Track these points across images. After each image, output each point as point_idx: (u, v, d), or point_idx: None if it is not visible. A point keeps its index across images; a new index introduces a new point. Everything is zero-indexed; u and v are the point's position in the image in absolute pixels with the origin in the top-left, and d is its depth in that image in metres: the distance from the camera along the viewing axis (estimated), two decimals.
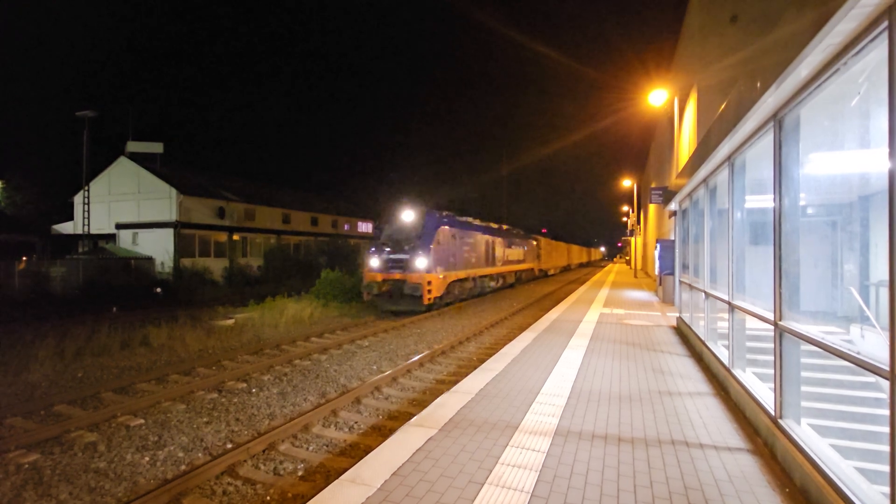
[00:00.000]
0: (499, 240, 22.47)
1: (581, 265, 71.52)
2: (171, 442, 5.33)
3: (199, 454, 5.09)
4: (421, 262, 14.53)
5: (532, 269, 30.51)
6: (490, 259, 21.07)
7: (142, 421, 5.89)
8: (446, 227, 16.18)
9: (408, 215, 15.85)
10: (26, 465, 4.73)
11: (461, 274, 17.29)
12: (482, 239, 20.10)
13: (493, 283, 22.12)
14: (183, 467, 4.79)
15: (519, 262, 26.29)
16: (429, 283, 14.42)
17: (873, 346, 4.97)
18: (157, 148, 32.80)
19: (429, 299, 14.53)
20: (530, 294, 23.60)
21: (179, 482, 4.27)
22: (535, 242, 31.42)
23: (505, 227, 25.83)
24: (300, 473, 4.68)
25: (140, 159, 31.48)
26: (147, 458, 4.93)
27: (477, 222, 20.70)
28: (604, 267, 64.57)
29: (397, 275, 14.71)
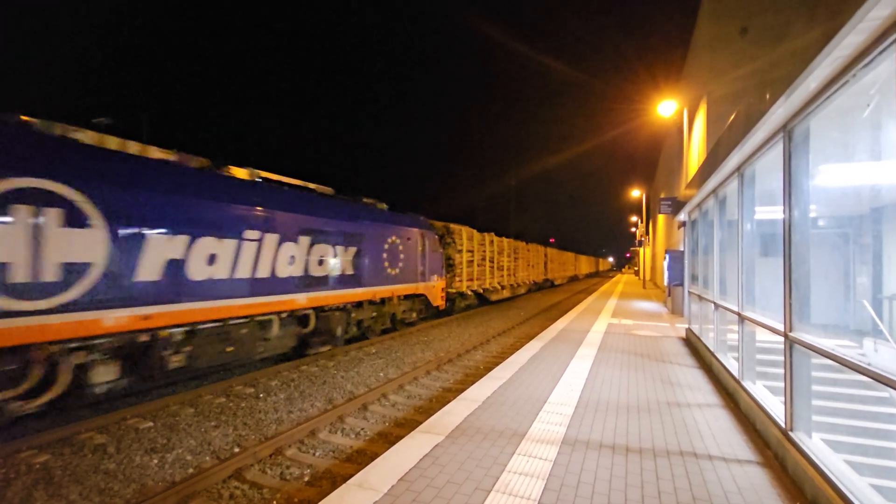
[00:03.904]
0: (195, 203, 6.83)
1: (572, 279, 51.13)
2: (179, 445, 5.37)
3: (207, 457, 5.12)
4: None
5: (420, 303, 14.01)
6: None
7: (151, 424, 5.94)
8: None
9: None
10: (37, 466, 4.79)
11: None
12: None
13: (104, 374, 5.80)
14: (191, 470, 4.82)
15: (349, 282, 10.27)
16: None
17: (887, 360, 4.91)
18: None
19: None
20: (537, 304, 23.51)
21: (187, 485, 4.31)
22: (422, 237, 13.71)
23: (277, 179, 9.21)
24: (306, 478, 4.69)
25: None
26: (155, 461, 4.97)
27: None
28: (612, 277, 64.18)
29: None
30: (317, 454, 5.29)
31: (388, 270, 11.88)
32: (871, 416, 4.71)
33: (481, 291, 19.99)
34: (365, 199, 12.00)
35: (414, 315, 13.88)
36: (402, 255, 12.54)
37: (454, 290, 17.06)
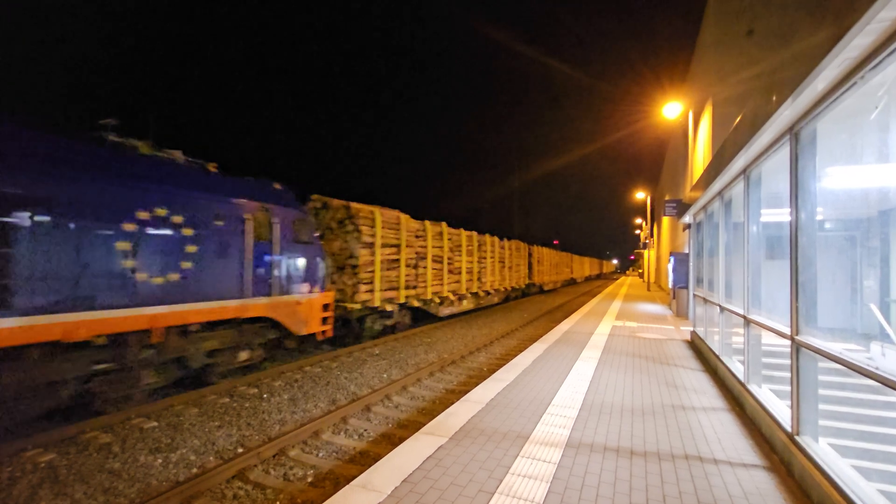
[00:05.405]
0: None
1: (568, 282, 44.57)
2: (183, 445, 5.39)
3: (211, 458, 5.13)
4: None
5: (259, 333, 8.12)
6: None
7: (155, 423, 5.97)
8: None
9: None
10: (43, 465, 4.82)
11: None
12: None
13: None
14: (194, 470, 4.84)
15: None
16: None
17: (895, 364, 4.86)
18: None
19: None
20: (539, 307, 23.45)
21: (191, 485, 4.32)
22: (268, 217, 8.15)
23: None
24: (310, 479, 4.69)
25: None
26: (160, 461, 4.99)
27: None
28: (616, 280, 63.95)
29: None
30: (320, 455, 5.29)
31: (139, 276, 6.04)
32: (878, 420, 4.65)
33: (419, 304, 13.89)
34: (114, 138, 6.50)
35: (244, 355, 7.94)
36: (198, 248, 6.86)
37: (358, 305, 11.01)
